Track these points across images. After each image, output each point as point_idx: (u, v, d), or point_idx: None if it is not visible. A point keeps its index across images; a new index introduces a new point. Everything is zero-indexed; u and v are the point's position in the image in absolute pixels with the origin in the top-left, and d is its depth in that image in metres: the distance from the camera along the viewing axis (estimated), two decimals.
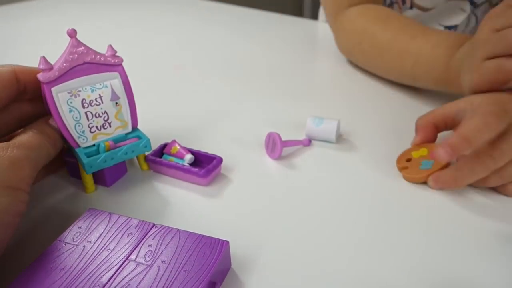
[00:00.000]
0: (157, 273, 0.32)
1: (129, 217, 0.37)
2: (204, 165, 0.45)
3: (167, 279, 0.32)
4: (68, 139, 0.41)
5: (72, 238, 0.35)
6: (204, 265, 0.32)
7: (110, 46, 0.41)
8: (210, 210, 0.41)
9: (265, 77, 0.69)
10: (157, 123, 0.54)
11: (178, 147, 0.46)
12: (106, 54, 0.41)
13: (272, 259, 0.36)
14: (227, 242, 0.34)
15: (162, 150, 0.47)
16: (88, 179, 0.43)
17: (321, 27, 0.89)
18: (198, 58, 0.78)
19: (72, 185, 0.45)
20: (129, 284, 0.31)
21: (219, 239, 0.34)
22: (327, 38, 0.81)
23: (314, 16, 2.47)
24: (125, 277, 0.32)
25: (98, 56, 0.40)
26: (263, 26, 0.93)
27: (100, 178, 0.44)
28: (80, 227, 0.36)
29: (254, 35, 0.87)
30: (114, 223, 0.37)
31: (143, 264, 0.33)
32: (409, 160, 0.46)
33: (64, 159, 0.45)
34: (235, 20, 0.99)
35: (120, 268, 0.33)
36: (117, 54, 0.41)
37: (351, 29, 0.66)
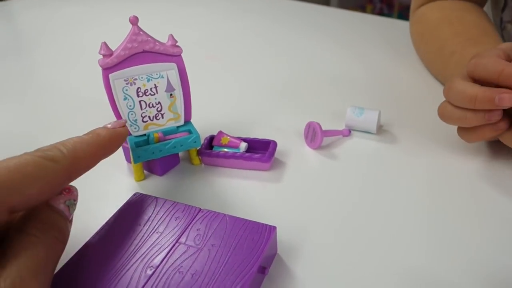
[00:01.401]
0: (208, 256, 0.31)
1: (175, 202, 0.36)
2: (258, 151, 0.46)
3: (219, 262, 0.31)
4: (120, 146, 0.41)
5: (122, 220, 0.35)
6: (254, 250, 0.32)
7: (171, 36, 0.41)
8: (254, 196, 0.42)
9: (301, 65, 0.68)
10: (197, 116, 0.54)
11: (228, 137, 0.46)
12: (166, 44, 0.41)
13: (317, 246, 0.36)
14: (275, 227, 0.34)
15: (210, 143, 0.46)
16: (137, 167, 0.43)
17: (365, 18, 0.87)
18: (228, 48, 0.77)
19: (125, 171, 0.46)
20: (181, 266, 0.31)
21: (266, 225, 0.34)
22: (370, 29, 0.79)
23: (342, 5, 2.48)
24: (177, 259, 0.31)
25: (158, 45, 0.40)
26: (295, 15, 0.91)
27: (152, 166, 0.44)
28: (129, 210, 0.36)
29: (286, 23, 0.86)
30: (161, 207, 0.36)
31: (193, 247, 0.32)
32: None
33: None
34: (266, 8, 0.97)
35: (172, 251, 0.32)
36: (177, 44, 0.41)
37: (420, 21, 0.66)
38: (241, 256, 0.31)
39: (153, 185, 0.44)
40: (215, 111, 0.55)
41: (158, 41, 0.40)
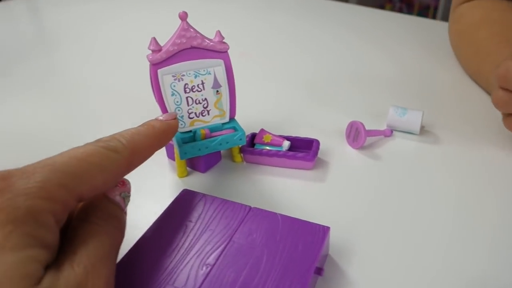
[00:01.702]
0: (263, 255, 0.31)
1: (224, 199, 0.36)
2: (300, 150, 0.45)
3: (274, 263, 0.31)
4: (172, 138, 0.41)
5: (174, 216, 0.35)
6: (309, 250, 0.31)
7: (219, 32, 0.41)
8: (298, 195, 0.41)
9: (336, 63, 0.67)
10: (237, 113, 0.54)
11: (271, 135, 0.45)
12: (214, 40, 0.41)
13: (367, 247, 0.36)
14: (328, 228, 0.33)
15: (252, 141, 0.46)
16: (181, 163, 0.43)
17: (393, 17, 0.86)
18: (260, 44, 0.76)
19: (166, 167, 0.46)
20: (237, 264, 0.30)
21: (320, 225, 0.33)
22: (407, 29, 0.78)
23: (360, 3, 2.45)
24: (232, 257, 0.31)
25: (206, 41, 0.40)
26: (323, 12, 0.90)
27: (195, 163, 0.44)
28: (179, 206, 0.36)
29: (315, 21, 0.84)
30: (211, 204, 0.36)
31: (247, 245, 0.32)
32: None
33: None
34: (294, 5, 0.95)
35: (226, 249, 0.32)
36: (224, 40, 0.41)
37: (459, 21, 0.65)
38: (296, 256, 0.31)
39: (196, 182, 0.44)
40: (254, 108, 0.55)
41: (206, 37, 0.40)
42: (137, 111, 0.55)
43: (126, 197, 0.30)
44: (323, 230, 0.33)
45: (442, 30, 0.77)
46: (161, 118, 0.34)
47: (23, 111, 0.58)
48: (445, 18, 2.20)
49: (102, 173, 0.27)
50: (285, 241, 0.32)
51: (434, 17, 2.39)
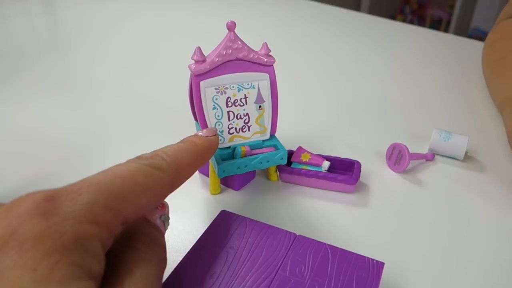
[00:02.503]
0: None
1: (266, 224, 0.34)
2: (339, 171, 0.43)
3: None
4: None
5: (213, 241, 0.32)
6: None
7: (265, 44, 0.38)
8: (340, 221, 0.39)
9: (372, 83, 0.64)
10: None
11: (309, 154, 0.43)
12: (260, 52, 0.38)
13: (420, 281, 0.34)
14: (383, 263, 0.31)
15: (289, 159, 0.44)
16: (215, 180, 0.41)
17: (419, 32, 0.84)
18: (287, 56, 0.73)
19: (198, 182, 0.44)
20: None
21: (374, 260, 0.31)
22: (437, 47, 0.76)
23: (372, 11, 2.44)
24: None
25: (252, 54, 0.38)
26: (353, 26, 0.87)
27: (229, 180, 0.41)
28: (218, 230, 0.33)
29: (345, 35, 0.82)
30: (253, 229, 0.34)
31: (297, 280, 0.29)
32: None
33: None
34: (319, 16, 0.91)
35: (273, 282, 0.29)
36: (270, 53, 0.39)
37: (497, 31, 0.61)
38: None
39: (230, 200, 0.41)
40: (289, 124, 0.52)
41: (252, 50, 0.38)
42: (155, 114, 0.53)
43: (166, 220, 0.28)
44: (378, 266, 0.31)
45: (475, 48, 0.75)
46: (201, 134, 0.32)
47: (38, 110, 0.55)
48: (458, 33, 2.19)
49: (146, 193, 0.25)
50: (337, 276, 0.30)
51: (446, 31, 2.38)
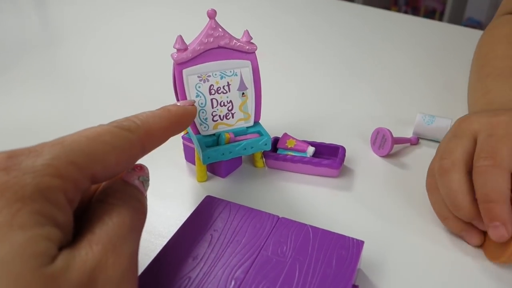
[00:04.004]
0: (297, 271, 0.29)
1: (250, 208, 0.35)
2: (324, 156, 0.44)
3: (308, 277, 0.29)
4: (190, 125, 0.39)
5: (198, 225, 0.33)
6: (344, 266, 0.30)
7: (247, 32, 0.39)
8: (324, 204, 0.40)
9: (360, 67, 0.65)
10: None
11: (294, 140, 0.44)
12: (241, 40, 0.39)
13: (399, 261, 0.35)
14: (362, 242, 0.32)
15: (274, 145, 0.44)
16: (202, 168, 0.41)
17: (414, 21, 0.84)
18: (274, 45, 0.73)
19: (185, 170, 0.44)
20: (268, 279, 0.29)
21: (354, 239, 0.32)
22: (428, 33, 0.76)
23: (366, 2, 2.43)
24: (262, 271, 0.29)
25: (234, 41, 0.38)
26: (344, 14, 0.87)
27: (216, 168, 0.42)
28: (202, 214, 0.34)
29: (335, 23, 0.82)
30: (237, 212, 0.34)
31: (279, 259, 0.30)
32: None
33: (183, 143, 0.44)
34: (311, 6, 0.92)
35: (255, 262, 0.30)
36: (252, 41, 0.39)
37: (487, 32, 0.59)
38: (331, 272, 0.29)
39: (217, 187, 0.42)
40: (275, 111, 0.53)
41: (234, 37, 0.38)
42: (145, 106, 0.54)
43: (145, 181, 0.29)
44: (357, 245, 0.31)
45: (467, 35, 0.75)
46: (179, 104, 0.32)
47: (27, 105, 0.56)
48: (451, 22, 2.19)
49: (114, 152, 0.25)
50: (318, 255, 0.31)
51: (440, 21, 2.38)
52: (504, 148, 0.32)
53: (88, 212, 0.25)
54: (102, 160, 0.24)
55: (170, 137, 0.30)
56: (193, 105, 0.33)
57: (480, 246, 0.35)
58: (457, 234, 0.36)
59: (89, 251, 0.22)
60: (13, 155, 0.22)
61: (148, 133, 0.28)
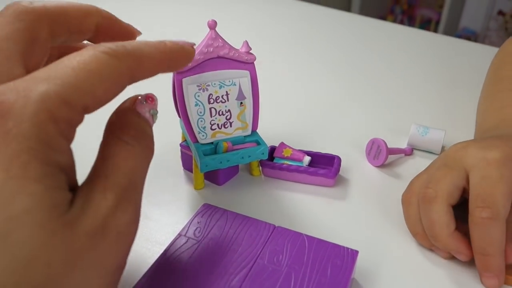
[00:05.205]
0: (292, 280, 0.30)
1: (246, 216, 0.35)
2: (320, 166, 0.45)
3: (304, 286, 0.29)
4: (188, 133, 0.40)
5: (194, 233, 0.34)
6: (339, 275, 0.30)
7: (246, 42, 0.40)
8: (319, 213, 0.41)
9: (355, 78, 0.64)
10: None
11: (291, 149, 0.44)
12: (240, 50, 0.39)
13: (393, 271, 0.35)
14: (357, 252, 0.32)
15: (271, 154, 0.45)
16: (200, 176, 0.42)
17: (409, 32, 0.85)
18: (271, 54, 0.74)
19: (182, 178, 0.45)
20: None
21: (348, 249, 0.33)
22: (425, 45, 0.77)
23: (363, 11, 2.46)
24: (258, 280, 0.30)
25: (233, 52, 0.39)
26: (338, 24, 0.87)
27: (213, 176, 0.43)
28: (199, 222, 0.35)
29: (331, 33, 0.83)
30: (233, 221, 0.35)
31: (274, 268, 0.31)
32: None
33: (181, 150, 0.44)
34: (305, 15, 0.92)
35: (251, 271, 0.30)
36: (251, 51, 0.40)
37: (502, 49, 0.57)
38: (325, 281, 0.30)
39: (213, 195, 0.42)
40: (273, 121, 0.53)
41: (234, 48, 0.39)
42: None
43: (154, 114, 0.29)
44: (352, 254, 0.32)
45: (462, 47, 0.76)
46: (178, 42, 0.30)
47: None
48: (447, 32, 2.21)
49: (102, 82, 0.24)
50: (313, 264, 0.31)
51: (435, 31, 2.40)
52: (499, 195, 0.32)
53: (102, 146, 0.25)
54: (91, 91, 0.23)
55: (161, 71, 0.28)
56: (192, 47, 0.31)
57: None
58: (427, 248, 0.37)
59: (102, 199, 0.23)
60: (3, 100, 0.21)
61: (137, 61, 0.26)
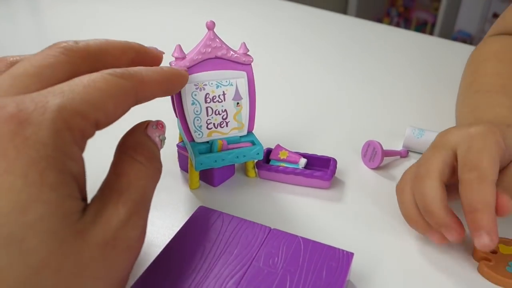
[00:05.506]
0: (288, 282, 0.30)
1: (242, 219, 0.35)
2: (316, 168, 0.45)
3: None
4: (184, 132, 0.40)
5: (191, 235, 0.33)
6: (334, 277, 0.30)
7: (244, 44, 0.40)
8: (314, 215, 0.41)
9: (351, 80, 0.64)
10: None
11: (287, 151, 0.44)
12: (238, 51, 0.39)
13: (388, 273, 0.35)
14: (352, 254, 0.32)
15: (267, 156, 0.45)
16: (195, 175, 0.42)
17: (404, 35, 0.85)
18: (268, 56, 0.74)
19: (179, 178, 0.45)
20: None
21: (344, 251, 0.32)
22: (413, 47, 0.77)
23: (359, 14, 2.46)
24: (253, 282, 0.30)
25: (231, 53, 0.39)
26: (333, 26, 0.88)
27: (208, 176, 0.42)
28: (195, 225, 0.34)
29: (328, 35, 0.82)
30: (229, 223, 0.35)
31: (270, 270, 0.31)
32: (494, 252, 0.36)
33: (178, 151, 0.44)
34: (301, 17, 0.92)
35: (246, 273, 0.30)
36: (248, 53, 0.40)
37: (477, 50, 0.59)
38: (321, 283, 0.30)
39: (208, 196, 0.42)
40: (269, 122, 0.53)
41: (231, 49, 0.39)
42: (139, 110, 0.54)
43: (163, 140, 0.30)
44: (347, 256, 0.32)
45: (458, 50, 0.77)
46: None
47: None
48: (443, 35, 2.22)
49: (111, 99, 0.25)
50: (308, 266, 0.31)
51: (431, 33, 2.41)
52: (485, 160, 0.33)
53: (116, 163, 0.27)
54: (102, 107, 0.25)
55: (161, 93, 0.30)
56: (186, 71, 0.34)
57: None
58: (421, 233, 0.37)
59: (114, 211, 0.24)
60: (22, 108, 0.22)
61: (140, 82, 0.28)
